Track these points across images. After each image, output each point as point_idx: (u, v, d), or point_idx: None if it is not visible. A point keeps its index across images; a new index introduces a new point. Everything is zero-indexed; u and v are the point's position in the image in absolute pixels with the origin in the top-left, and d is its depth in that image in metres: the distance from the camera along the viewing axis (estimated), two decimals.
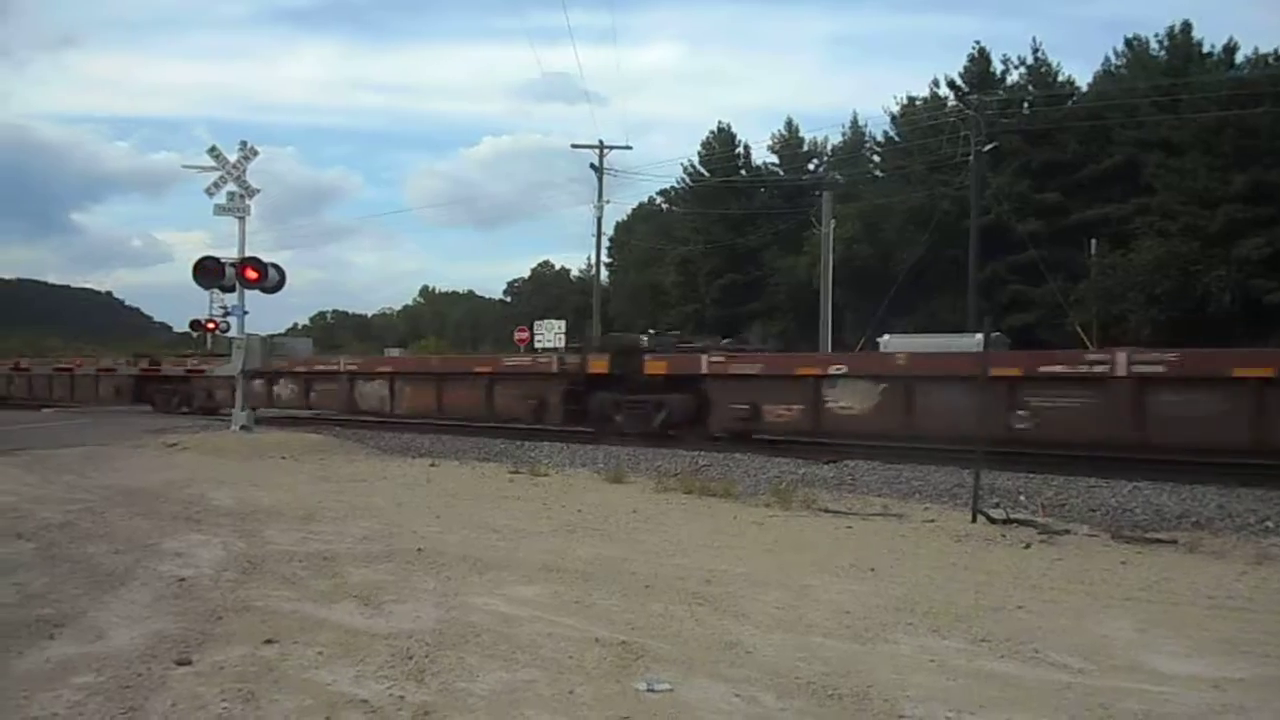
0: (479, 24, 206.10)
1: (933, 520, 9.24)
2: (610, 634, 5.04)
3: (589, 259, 59.28)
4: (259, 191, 18.58)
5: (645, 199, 65.88)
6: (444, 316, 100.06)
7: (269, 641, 4.77)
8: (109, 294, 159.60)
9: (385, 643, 4.79)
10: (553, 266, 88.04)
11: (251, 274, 18.02)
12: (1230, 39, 42.04)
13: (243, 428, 17.50)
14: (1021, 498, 10.26)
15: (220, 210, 18.24)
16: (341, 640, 4.83)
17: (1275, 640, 5.24)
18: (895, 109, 50.58)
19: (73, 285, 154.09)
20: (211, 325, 34.66)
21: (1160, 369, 11.60)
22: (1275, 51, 39.79)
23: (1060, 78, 46.33)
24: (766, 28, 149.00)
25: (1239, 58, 41.32)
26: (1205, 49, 42.29)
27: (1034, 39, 65.74)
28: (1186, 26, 42.69)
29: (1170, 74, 40.01)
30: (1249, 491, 10.06)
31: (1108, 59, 46.05)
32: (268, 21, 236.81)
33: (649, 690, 4.19)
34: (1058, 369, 12.46)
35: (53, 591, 5.78)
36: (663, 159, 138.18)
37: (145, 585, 5.99)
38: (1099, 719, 4.02)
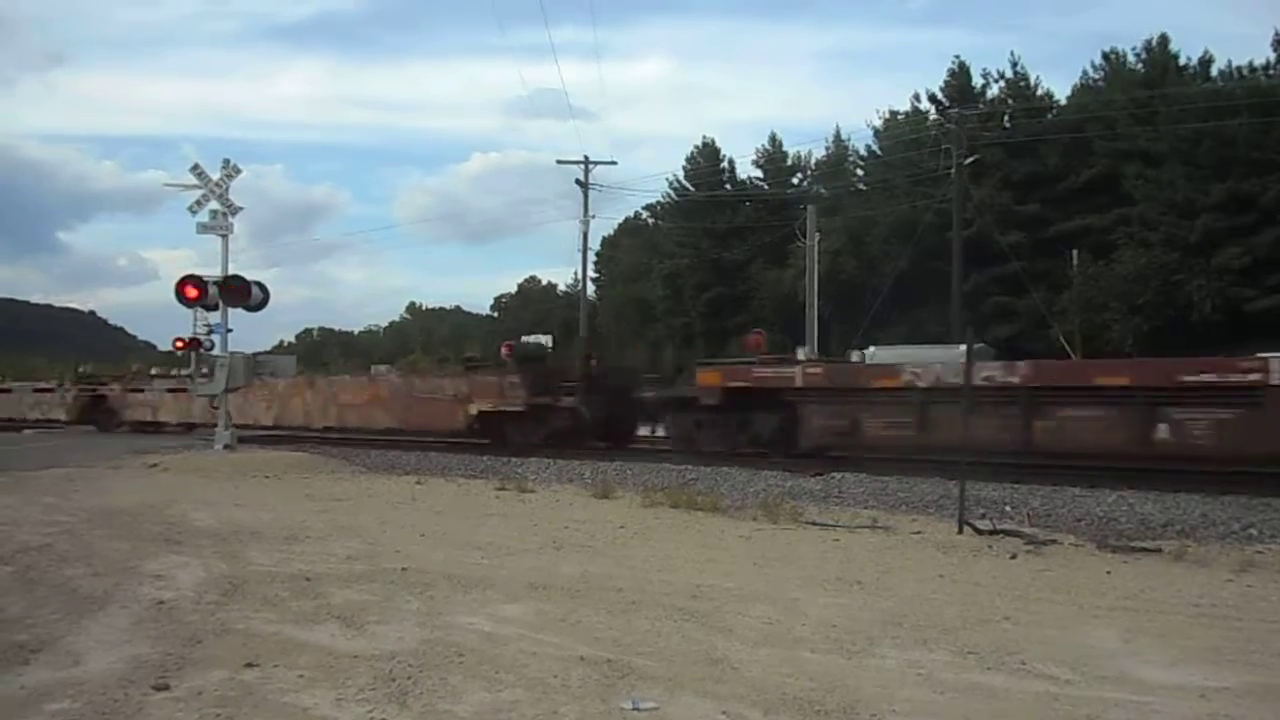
0: (469, 41, 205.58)
1: (919, 532, 9.24)
2: (596, 652, 5.00)
3: (576, 274, 59.12)
4: (242, 209, 18.57)
5: (631, 214, 65.83)
6: (430, 332, 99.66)
7: (249, 665, 4.71)
8: (92, 313, 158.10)
9: (368, 664, 4.73)
10: (540, 281, 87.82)
11: (234, 292, 17.95)
12: (1206, 51, 42.39)
13: (225, 447, 17.39)
14: (1007, 508, 10.28)
15: (203, 228, 18.18)
16: (323, 662, 4.78)
17: (1261, 648, 5.25)
18: (878, 123, 50.85)
19: (55, 305, 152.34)
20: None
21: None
22: (1250, 63, 40.25)
23: (1040, 91, 46.61)
24: (754, 42, 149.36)
25: (1214, 70, 41.70)
26: (1182, 61, 42.68)
27: (1012, 53, 66.30)
28: (1164, 39, 43.10)
29: (1148, 86, 40.32)
30: (1233, 499, 10.11)
31: (1085, 72, 46.41)
32: (256, 39, 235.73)
33: (634, 709, 4.15)
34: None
35: (29, 616, 5.70)
36: (650, 174, 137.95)
37: (124, 608, 5.91)
38: None
